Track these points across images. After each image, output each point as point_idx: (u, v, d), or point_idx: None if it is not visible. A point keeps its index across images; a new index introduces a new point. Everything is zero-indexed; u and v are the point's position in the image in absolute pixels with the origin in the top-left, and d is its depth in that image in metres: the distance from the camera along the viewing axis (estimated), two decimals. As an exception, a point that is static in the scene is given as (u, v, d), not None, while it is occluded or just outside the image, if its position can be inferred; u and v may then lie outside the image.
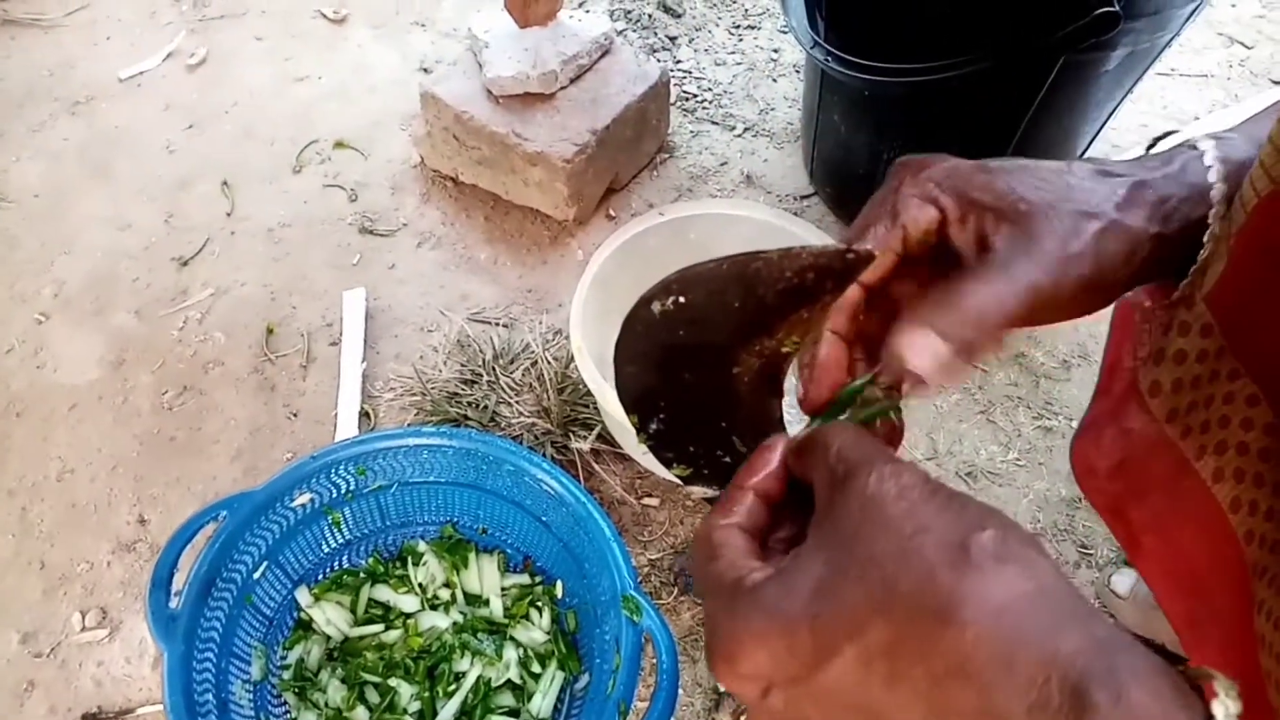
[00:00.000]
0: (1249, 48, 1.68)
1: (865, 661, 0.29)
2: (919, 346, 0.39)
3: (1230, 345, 0.48)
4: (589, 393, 1.16)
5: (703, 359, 0.54)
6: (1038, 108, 1.13)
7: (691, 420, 0.58)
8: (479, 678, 0.93)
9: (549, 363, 1.20)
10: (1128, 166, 0.44)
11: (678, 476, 0.52)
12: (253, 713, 0.89)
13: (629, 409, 0.55)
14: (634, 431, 0.55)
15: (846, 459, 0.34)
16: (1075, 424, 1.17)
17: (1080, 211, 0.41)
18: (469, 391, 1.18)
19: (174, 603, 0.85)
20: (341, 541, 0.99)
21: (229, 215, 1.40)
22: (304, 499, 0.94)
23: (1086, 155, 1.26)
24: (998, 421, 1.18)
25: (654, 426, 0.56)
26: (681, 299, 0.49)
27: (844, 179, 1.38)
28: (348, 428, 1.16)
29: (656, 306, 0.50)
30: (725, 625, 0.31)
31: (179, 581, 0.86)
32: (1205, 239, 0.45)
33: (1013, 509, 1.10)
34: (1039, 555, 0.30)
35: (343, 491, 0.96)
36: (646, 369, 0.54)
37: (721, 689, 0.97)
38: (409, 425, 1.16)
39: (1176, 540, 0.55)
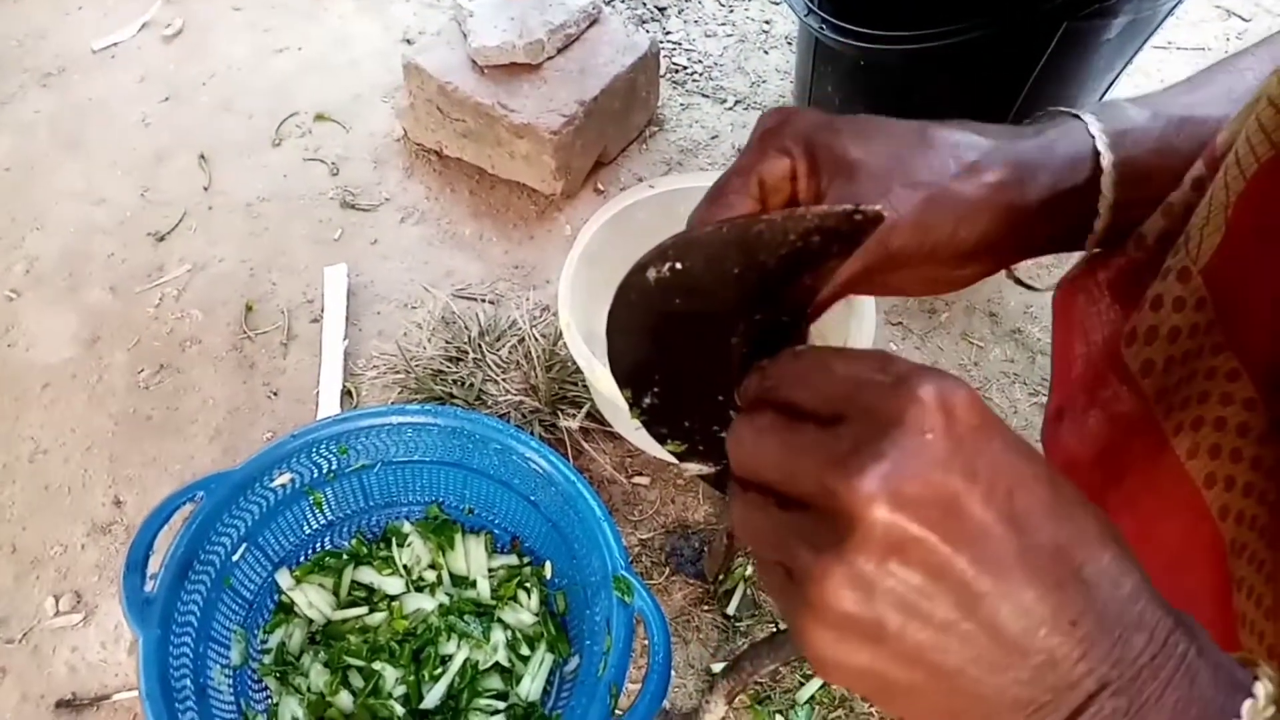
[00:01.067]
0: (1246, 20, 1.65)
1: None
2: None
3: (1220, 318, 0.46)
4: (578, 370, 1.13)
5: (700, 329, 0.52)
6: (1036, 78, 1.10)
7: (687, 394, 0.56)
8: (466, 660, 0.90)
9: (536, 340, 1.17)
10: (999, 130, 0.44)
11: (671, 453, 0.49)
12: (232, 699, 0.86)
13: (621, 383, 0.53)
14: (626, 407, 0.52)
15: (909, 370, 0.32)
16: (1072, 401, 1.15)
17: (908, 181, 0.42)
18: (454, 369, 1.15)
19: (149, 586, 0.82)
20: (323, 522, 0.96)
21: (206, 189, 1.36)
22: (284, 479, 0.91)
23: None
24: (994, 398, 1.16)
25: (647, 401, 0.54)
26: (678, 265, 0.47)
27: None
28: (329, 406, 1.13)
29: (652, 274, 0.48)
30: (873, 441, 0.28)
31: (155, 564, 0.83)
32: (1103, 208, 0.45)
33: (1010, 487, 1.08)
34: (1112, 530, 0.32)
35: (324, 471, 0.93)
36: (640, 341, 0.51)
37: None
38: (393, 403, 1.13)
39: (1150, 520, 0.54)
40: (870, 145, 0.43)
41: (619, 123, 1.37)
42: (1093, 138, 0.44)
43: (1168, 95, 0.47)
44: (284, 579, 0.94)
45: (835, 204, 0.44)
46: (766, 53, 1.56)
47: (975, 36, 1.03)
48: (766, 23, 1.61)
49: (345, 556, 0.97)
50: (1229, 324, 0.45)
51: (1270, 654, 0.47)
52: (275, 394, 1.15)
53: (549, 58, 1.32)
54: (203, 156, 1.40)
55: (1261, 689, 0.29)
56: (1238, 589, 0.48)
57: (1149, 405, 0.48)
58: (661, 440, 0.49)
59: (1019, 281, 0.52)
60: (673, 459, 0.49)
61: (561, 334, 1.13)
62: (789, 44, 1.56)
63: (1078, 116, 0.45)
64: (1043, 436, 0.58)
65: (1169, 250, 0.46)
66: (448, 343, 1.17)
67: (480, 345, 1.16)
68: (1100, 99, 1.22)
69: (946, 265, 0.44)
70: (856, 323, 1.04)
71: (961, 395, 0.28)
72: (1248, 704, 0.28)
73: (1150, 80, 1.52)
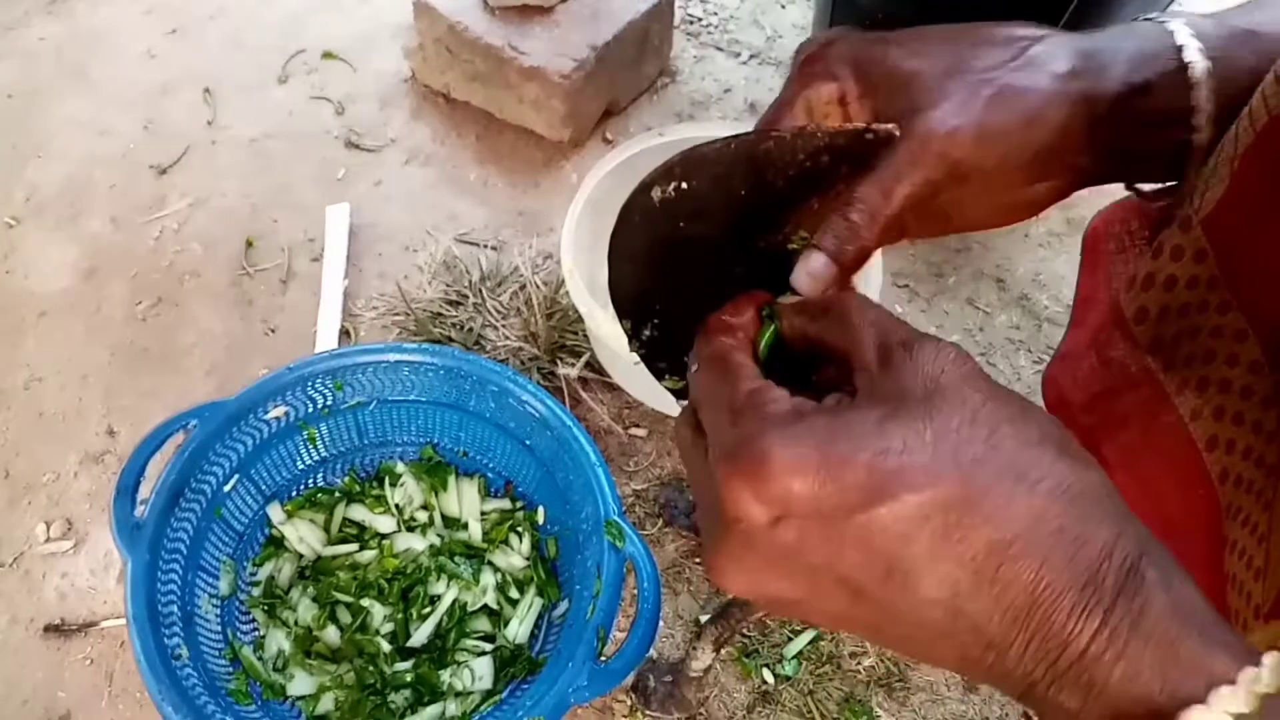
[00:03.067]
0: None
1: (922, 515, 0.27)
2: (799, 269, 0.40)
3: (1224, 275, 0.45)
4: (579, 319, 1.12)
5: (703, 256, 0.50)
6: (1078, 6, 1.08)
7: (688, 326, 0.54)
8: (455, 601, 0.90)
9: (538, 287, 1.15)
10: (1075, 36, 0.41)
11: (669, 389, 0.48)
12: (219, 628, 0.86)
13: (621, 313, 0.51)
14: (625, 342, 0.51)
15: (894, 330, 0.32)
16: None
17: (969, 81, 0.39)
18: (454, 313, 1.14)
19: (139, 511, 0.81)
20: (316, 459, 0.96)
21: (210, 124, 1.35)
22: (278, 412, 0.90)
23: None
24: (998, 364, 1.15)
25: (647, 333, 0.52)
26: (684, 184, 0.45)
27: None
28: (327, 345, 1.12)
29: (656, 193, 0.46)
30: (759, 442, 0.29)
31: (146, 491, 0.83)
32: (1196, 124, 0.41)
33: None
34: (1094, 459, 0.30)
35: (319, 406, 0.93)
36: (642, 267, 0.50)
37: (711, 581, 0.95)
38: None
39: (1147, 479, 0.53)
40: (924, 52, 0.40)
41: (630, 71, 1.35)
42: (1171, 33, 0.40)
43: (1231, 12, 0.43)
44: (275, 513, 0.93)
45: (891, 120, 0.42)
46: (784, 7, 1.53)
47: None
48: (785, -23, 1.58)
49: (337, 494, 0.96)
50: (1235, 283, 0.44)
51: (1256, 614, 0.46)
52: (273, 331, 1.15)
53: (562, 1, 1.30)
54: (208, 91, 1.38)
55: (1271, 659, 0.28)
56: (1230, 551, 0.47)
57: (1143, 355, 0.47)
58: (659, 375, 0.48)
59: (1139, 193, 0.48)
60: (671, 394, 0.48)
61: (563, 282, 1.12)
62: (806, -1, 1.54)
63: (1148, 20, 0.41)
64: (1045, 373, 0.57)
65: None
66: (448, 286, 1.16)
67: (481, 290, 1.15)
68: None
69: (1018, 180, 0.41)
70: (863, 282, 1.03)
71: (781, 475, 0.28)
72: (1250, 672, 0.27)
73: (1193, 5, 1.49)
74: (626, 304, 0.51)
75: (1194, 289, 0.46)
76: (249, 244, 1.22)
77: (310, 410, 0.92)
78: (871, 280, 1.02)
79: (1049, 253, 1.25)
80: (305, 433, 0.94)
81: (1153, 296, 0.47)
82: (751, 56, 1.46)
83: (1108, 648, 0.27)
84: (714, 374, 0.34)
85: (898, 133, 0.43)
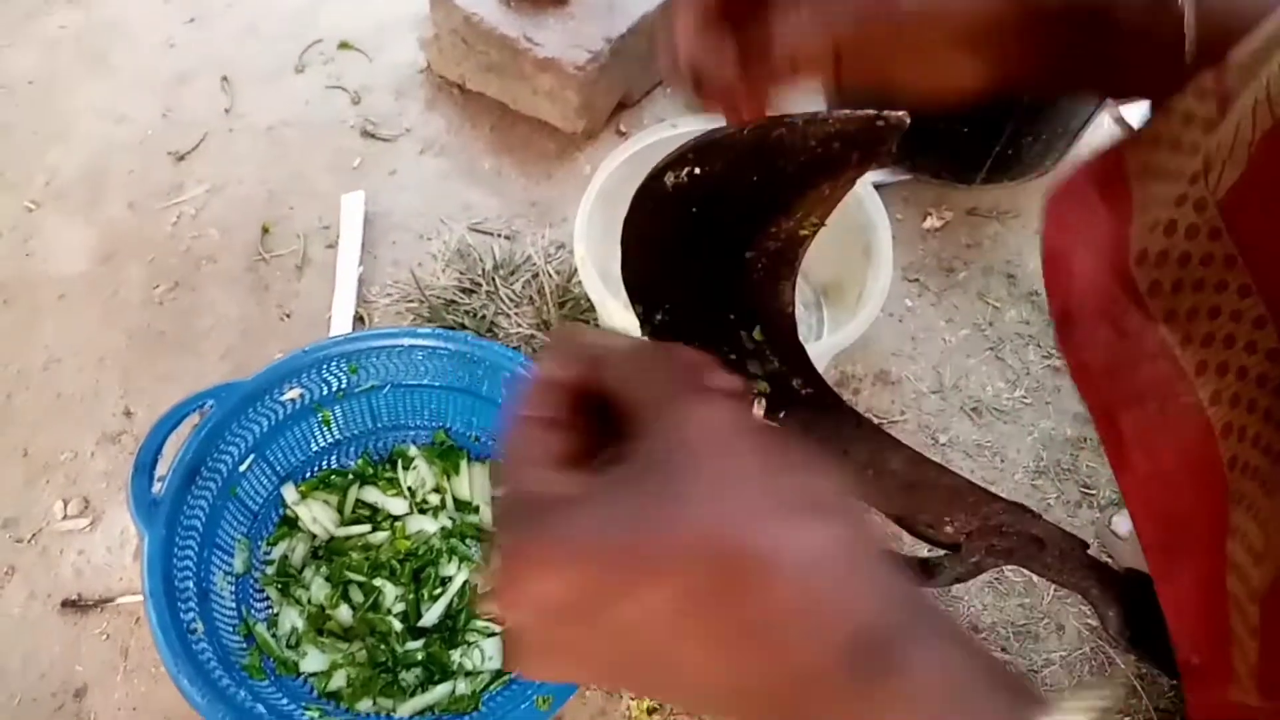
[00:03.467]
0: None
1: (669, 606, 0.26)
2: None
3: (1244, 259, 0.45)
4: (590, 308, 1.13)
5: (715, 241, 0.51)
6: None
7: (699, 311, 0.55)
8: (465, 583, 0.91)
9: (550, 276, 1.17)
10: None
11: None
12: (234, 604, 0.87)
13: (633, 298, 0.52)
14: (637, 326, 0.52)
15: (645, 385, 0.31)
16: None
17: None
18: (467, 300, 1.15)
19: (157, 488, 0.83)
20: (331, 441, 0.97)
21: (228, 112, 1.36)
22: (294, 393, 0.91)
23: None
24: (1006, 359, 1.16)
25: (659, 318, 0.53)
26: (697, 170, 0.46)
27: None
28: (342, 330, 1.13)
29: (670, 179, 0.47)
30: (514, 540, 0.28)
31: (163, 469, 0.84)
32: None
33: (1016, 446, 1.08)
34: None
35: (334, 389, 0.94)
36: (655, 253, 0.51)
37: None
38: (405, 331, 1.14)
39: (1161, 460, 0.54)
40: None
41: (645, 65, 1.36)
42: None
43: None
44: (289, 493, 0.95)
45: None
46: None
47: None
48: (799, -26, 1.59)
49: (351, 476, 0.98)
50: (1254, 266, 0.45)
51: (1253, 598, 0.47)
52: (288, 316, 1.16)
53: (578, -6, 1.31)
54: (225, 79, 1.40)
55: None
56: (1231, 536, 0.48)
57: (1158, 328, 0.48)
58: None
59: (1122, 123, 0.48)
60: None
61: (575, 272, 1.13)
62: (820, -4, 1.54)
63: None
64: (1056, 340, 0.57)
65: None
66: (462, 274, 1.17)
67: (494, 279, 1.16)
68: None
69: (960, 45, 0.41)
70: (873, 275, 1.03)
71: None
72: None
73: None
74: (639, 289, 0.51)
75: (1209, 266, 0.47)
76: (265, 230, 1.23)
77: (325, 393, 0.94)
78: (881, 273, 1.03)
79: (1058, 249, 1.26)
80: (320, 415, 0.95)
81: (1167, 272, 0.47)
82: (764, 51, 1.47)
83: None
84: (505, 451, 0.32)
85: (908, 120, 0.43)
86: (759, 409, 0.54)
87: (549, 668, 0.30)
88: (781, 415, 0.57)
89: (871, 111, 0.45)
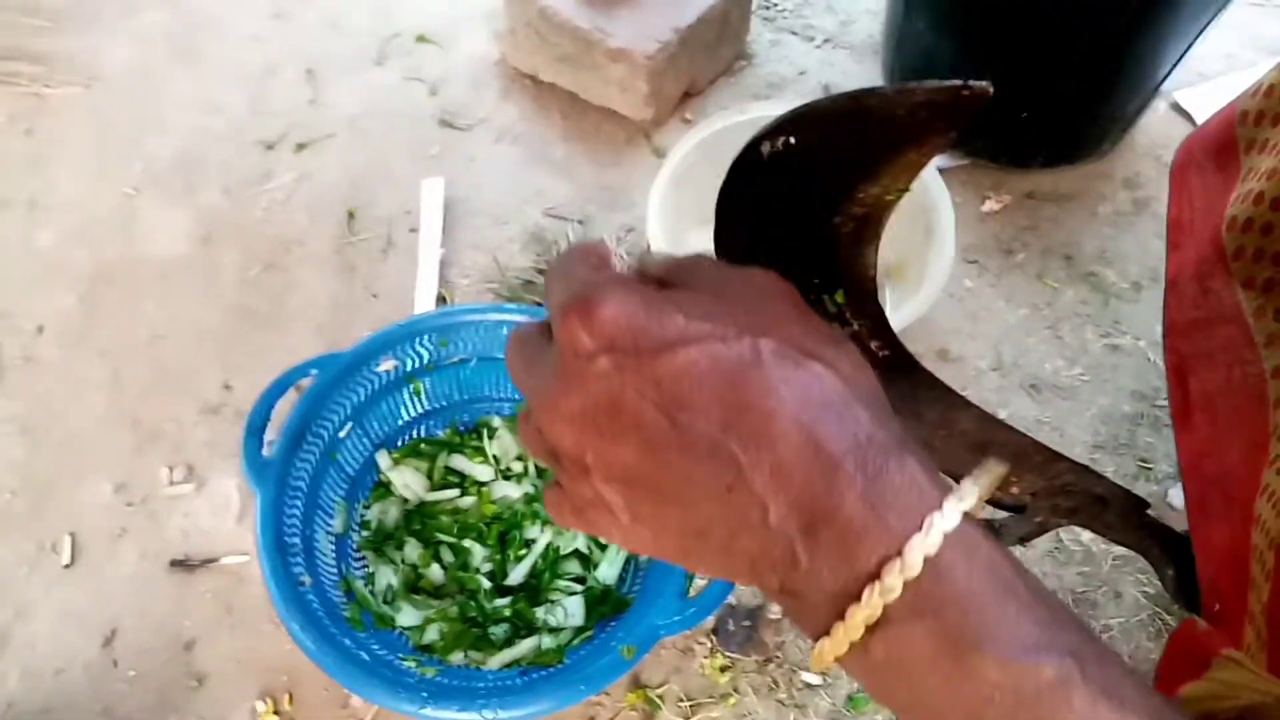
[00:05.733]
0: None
1: (715, 365, 0.31)
2: None
3: None
4: (661, 288, 1.18)
5: (805, 208, 0.55)
6: (1132, 15, 1.11)
7: (791, 279, 0.59)
8: (548, 544, 0.97)
9: (622, 258, 1.21)
10: None
11: None
12: (334, 561, 0.94)
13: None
14: None
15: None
16: (1143, 343, 1.17)
17: None
18: (543, 281, 1.20)
19: (266, 450, 0.89)
20: (421, 411, 1.03)
21: (312, 103, 1.43)
22: (388, 365, 0.97)
23: (1170, 73, 1.24)
24: (1065, 337, 1.19)
25: None
26: (792, 140, 0.50)
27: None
28: (425, 308, 1.19)
29: (766, 148, 0.50)
30: (591, 283, 0.32)
31: (270, 432, 0.90)
32: None
33: (1075, 421, 1.11)
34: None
35: (425, 361, 1.00)
36: (747, 220, 0.55)
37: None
38: (484, 310, 1.19)
39: (1219, 423, 0.56)
40: None
41: (710, 53, 1.40)
42: None
43: None
44: (383, 460, 1.01)
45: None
46: (857, -7, 1.57)
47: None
48: (859, -36, 1.62)
49: (439, 444, 1.04)
50: None
51: (1270, 546, 0.50)
52: (375, 296, 1.22)
53: (646, -13, 1.35)
54: (309, 71, 1.46)
55: (969, 484, 0.32)
56: (1260, 494, 0.51)
57: (1236, 290, 0.51)
58: None
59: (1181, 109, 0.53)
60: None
61: (646, 251, 1.18)
62: (880, -15, 1.57)
63: None
64: (1164, 305, 0.60)
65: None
66: (537, 256, 1.23)
67: (568, 260, 1.22)
68: (1188, 49, 1.21)
69: None
70: (935, 255, 1.07)
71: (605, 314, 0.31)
72: (949, 498, 0.31)
73: (1243, 36, 1.51)
74: (729, 256, 0.55)
75: None
76: (350, 215, 1.30)
77: (417, 365, 1.00)
78: (943, 254, 1.06)
79: (1116, 231, 1.28)
80: (411, 386, 1.01)
81: (1250, 240, 0.51)
82: (825, 41, 1.50)
83: (867, 516, 0.30)
84: (574, 257, 0.37)
85: (992, 89, 0.47)
86: None
87: (582, 419, 0.32)
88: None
89: (958, 82, 0.48)
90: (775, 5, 1.55)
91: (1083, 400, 1.13)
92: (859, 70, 1.46)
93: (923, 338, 1.17)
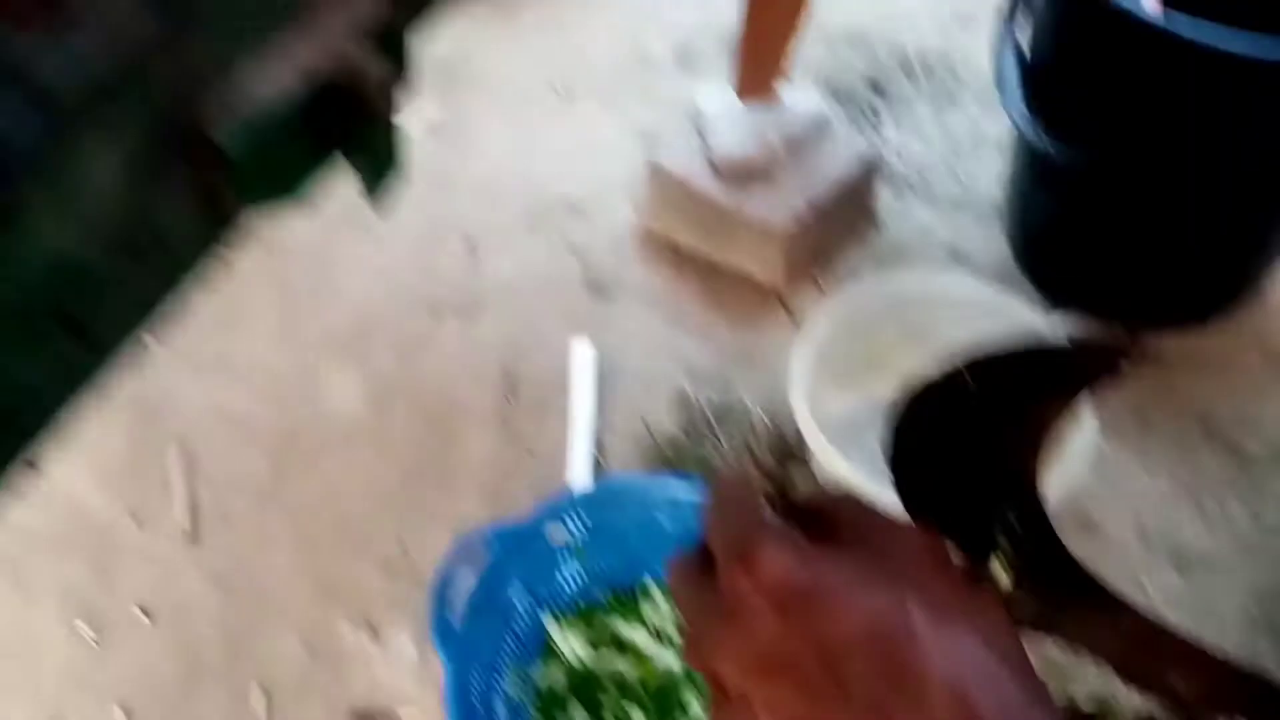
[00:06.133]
0: None
1: (870, 629, 0.33)
2: None
3: None
4: (799, 449, 1.24)
5: (978, 448, 0.60)
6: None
7: (959, 514, 0.63)
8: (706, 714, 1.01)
9: (765, 422, 1.28)
10: None
11: None
12: (510, 726, 1.00)
13: (910, 507, 0.60)
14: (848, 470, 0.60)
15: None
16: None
17: None
18: (690, 445, 1.28)
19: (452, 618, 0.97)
20: (584, 577, 1.10)
21: (471, 269, 1.55)
22: (560, 537, 1.05)
23: None
24: (1207, 507, 1.20)
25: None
26: (970, 383, 0.54)
27: (1051, 257, 1.43)
28: (580, 470, 1.27)
29: (940, 393, 0.55)
30: (749, 533, 0.35)
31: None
32: None
33: (1228, 600, 1.11)
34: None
35: (588, 528, 1.07)
36: (922, 463, 0.60)
37: None
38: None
39: None
40: None
41: (841, 223, 1.49)
42: None
43: None
44: (551, 627, 1.08)
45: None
46: (978, 157, 1.65)
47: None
48: (977, 128, 1.70)
49: (603, 609, 1.10)
50: None
51: None
52: (532, 454, 1.31)
53: (780, 162, 1.45)
54: (467, 238, 1.60)
55: None
56: None
57: None
58: None
59: None
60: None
61: (779, 413, 1.25)
62: (1000, 150, 1.64)
63: None
64: None
65: None
66: (685, 421, 1.31)
67: (713, 424, 1.29)
68: None
69: None
70: (1079, 432, 1.11)
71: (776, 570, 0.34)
72: None
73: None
74: (912, 504, 0.60)
75: None
76: (508, 376, 1.40)
77: (582, 533, 1.07)
78: (1085, 430, 1.10)
79: (1254, 395, 1.30)
80: (576, 553, 1.08)
81: None
82: (949, 204, 1.58)
83: None
84: (729, 498, 0.40)
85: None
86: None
87: (745, 655, 0.34)
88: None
89: (1125, 337, 0.52)
90: (899, 171, 1.63)
91: (1236, 576, 1.13)
92: (984, 234, 1.52)
93: (1063, 506, 1.20)
